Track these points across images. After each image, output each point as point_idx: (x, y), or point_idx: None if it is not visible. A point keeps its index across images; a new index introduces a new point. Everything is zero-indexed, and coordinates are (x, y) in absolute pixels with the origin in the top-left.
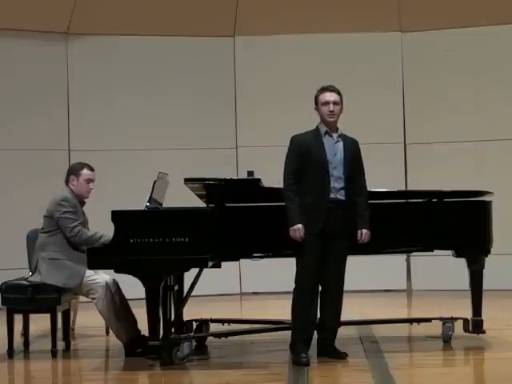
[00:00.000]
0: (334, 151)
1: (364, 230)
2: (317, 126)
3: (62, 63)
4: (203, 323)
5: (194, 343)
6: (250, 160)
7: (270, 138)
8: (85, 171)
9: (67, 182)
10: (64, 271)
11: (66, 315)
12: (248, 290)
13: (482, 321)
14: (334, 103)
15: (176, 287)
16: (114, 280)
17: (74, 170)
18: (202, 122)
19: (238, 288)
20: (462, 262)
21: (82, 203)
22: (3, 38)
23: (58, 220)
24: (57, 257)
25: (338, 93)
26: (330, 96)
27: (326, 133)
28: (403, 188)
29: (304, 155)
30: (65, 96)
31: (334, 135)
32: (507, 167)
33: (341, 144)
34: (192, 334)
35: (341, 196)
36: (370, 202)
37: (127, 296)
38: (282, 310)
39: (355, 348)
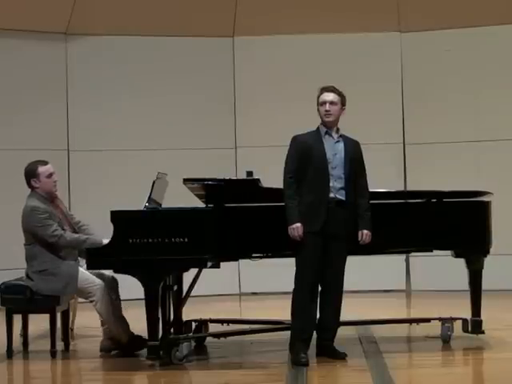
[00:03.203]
0: (334, 151)
1: (365, 231)
2: (318, 127)
3: (61, 63)
4: (202, 323)
5: (193, 343)
6: (249, 160)
7: (269, 138)
8: (41, 169)
9: (30, 186)
10: (57, 281)
11: (65, 315)
12: (247, 290)
13: (481, 321)
14: (331, 103)
15: (175, 287)
16: (112, 277)
17: (31, 173)
18: (201, 122)
19: (237, 288)
20: (462, 262)
21: (54, 199)
22: (2, 38)
23: (36, 231)
24: (46, 267)
25: (339, 93)
26: (326, 96)
27: (327, 133)
28: (402, 188)
29: (304, 155)
30: (64, 96)
31: (335, 135)
32: (507, 167)
33: (341, 144)
34: (191, 334)
35: (340, 196)
36: (369, 201)
37: (127, 296)
38: (282, 311)
39: (354, 348)
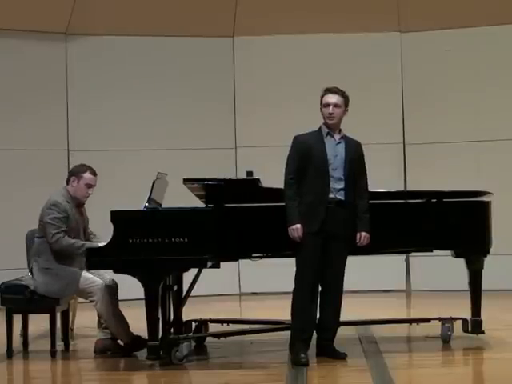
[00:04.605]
0: (335, 152)
1: (363, 233)
2: (320, 127)
3: (61, 63)
4: (202, 323)
5: (193, 343)
6: (249, 160)
7: (269, 138)
8: (87, 175)
9: (67, 182)
10: (58, 282)
11: (65, 315)
12: (247, 290)
13: (481, 321)
14: (335, 105)
15: (175, 287)
16: (113, 280)
17: (76, 172)
18: (201, 122)
19: (237, 288)
20: (462, 262)
21: (80, 206)
22: (2, 39)
23: (45, 225)
24: (50, 266)
25: (342, 95)
26: (330, 98)
27: (328, 134)
28: (402, 188)
29: (305, 155)
30: (64, 96)
31: (336, 136)
32: (507, 167)
33: (343, 145)
34: (191, 334)
35: (340, 196)
36: (369, 202)
37: (127, 296)
38: (281, 311)
39: (354, 348)
